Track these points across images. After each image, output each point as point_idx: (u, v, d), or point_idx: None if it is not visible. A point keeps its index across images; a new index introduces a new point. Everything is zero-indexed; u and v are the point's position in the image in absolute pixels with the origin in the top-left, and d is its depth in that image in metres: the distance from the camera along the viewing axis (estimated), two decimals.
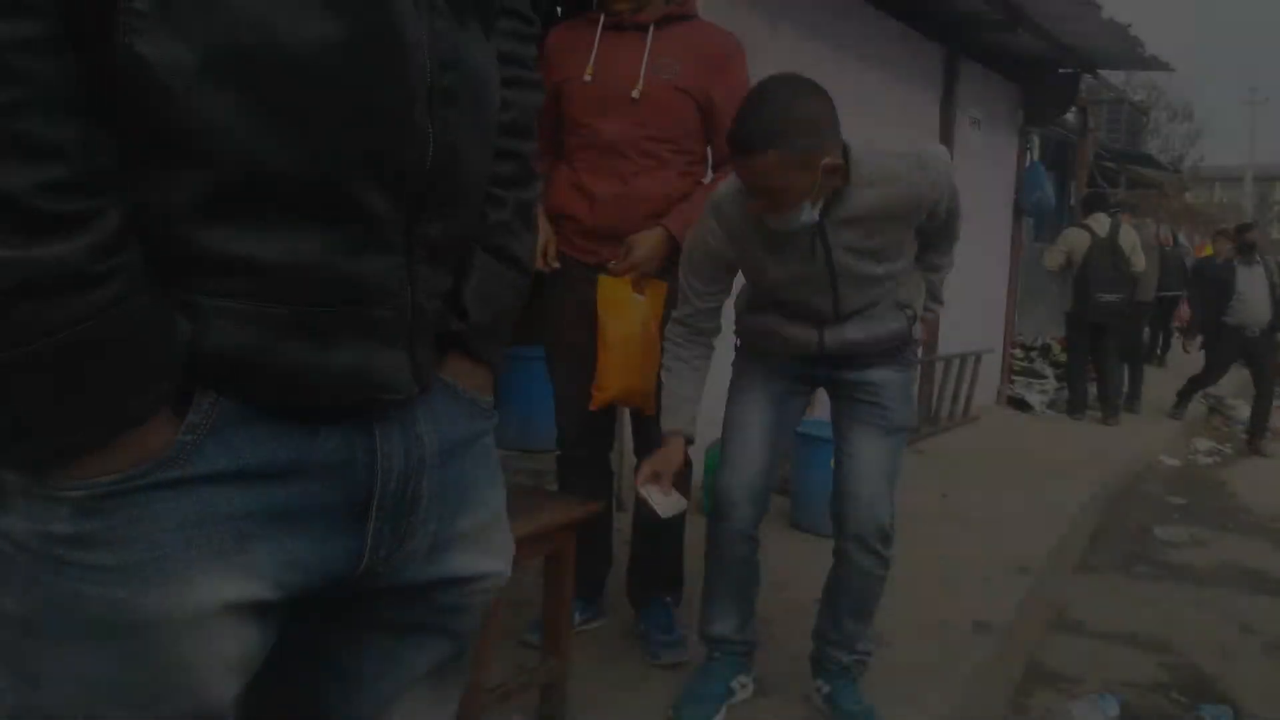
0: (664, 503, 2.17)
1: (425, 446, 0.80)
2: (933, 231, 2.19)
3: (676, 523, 2.70)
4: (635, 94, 2.39)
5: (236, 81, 0.61)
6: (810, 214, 1.94)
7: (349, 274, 0.69)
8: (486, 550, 0.88)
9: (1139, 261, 7.34)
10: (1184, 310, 11.84)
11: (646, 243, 2.37)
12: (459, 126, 0.75)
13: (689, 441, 2.23)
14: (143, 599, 0.64)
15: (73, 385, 0.59)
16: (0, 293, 0.56)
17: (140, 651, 0.65)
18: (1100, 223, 7.30)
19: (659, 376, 2.45)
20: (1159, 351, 12.07)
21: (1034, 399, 7.73)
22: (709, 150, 2.55)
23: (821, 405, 4.76)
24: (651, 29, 2.44)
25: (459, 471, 0.84)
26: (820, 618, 2.35)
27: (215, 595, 0.67)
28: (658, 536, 2.67)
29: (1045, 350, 8.76)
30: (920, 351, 2.31)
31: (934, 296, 2.30)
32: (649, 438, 2.60)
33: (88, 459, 0.62)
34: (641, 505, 2.20)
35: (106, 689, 0.65)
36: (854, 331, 2.17)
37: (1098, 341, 7.41)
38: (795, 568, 3.34)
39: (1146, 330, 11.68)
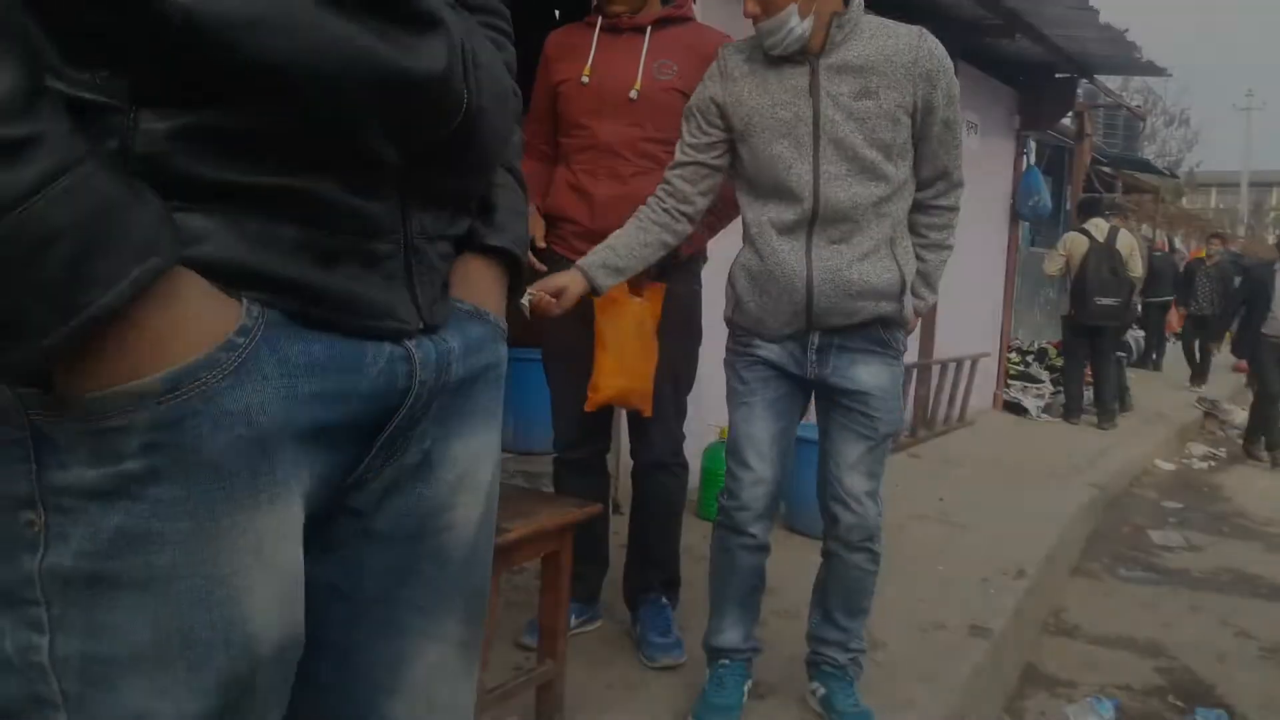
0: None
1: (453, 373, 0.83)
2: (928, 152, 2.12)
3: (673, 526, 2.71)
4: (633, 95, 2.40)
5: (282, 37, 0.62)
6: (800, 26, 1.98)
7: (356, 208, 0.71)
8: (475, 465, 0.88)
9: (1136, 266, 7.36)
10: (1173, 316, 11.85)
11: None
12: (485, 95, 0.78)
13: (593, 289, 2.15)
14: (213, 530, 0.64)
15: (23, 280, 0.55)
16: None
17: (210, 591, 0.65)
18: (1099, 227, 7.32)
19: (658, 377, 2.46)
20: (1154, 356, 12.09)
21: (1029, 403, 7.74)
22: None
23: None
24: (649, 30, 2.45)
25: (467, 397, 0.86)
26: (813, 619, 2.35)
27: (277, 520, 0.68)
28: (654, 539, 2.68)
29: (1041, 355, 8.77)
30: (906, 341, 2.25)
31: (927, 282, 2.24)
32: (647, 439, 2.60)
33: (98, 359, 0.59)
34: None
35: (180, 632, 0.64)
36: (844, 262, 2.07)
37: (1095, 346, 7.43)
38: (790, 571, 3.34)
39: (1142, 335, 11.72)
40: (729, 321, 2.29)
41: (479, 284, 0.91)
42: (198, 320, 0.63)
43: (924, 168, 2.14)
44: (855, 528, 2.19)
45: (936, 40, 2.10)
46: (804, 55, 2.05)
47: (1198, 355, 10.88)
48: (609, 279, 2.16)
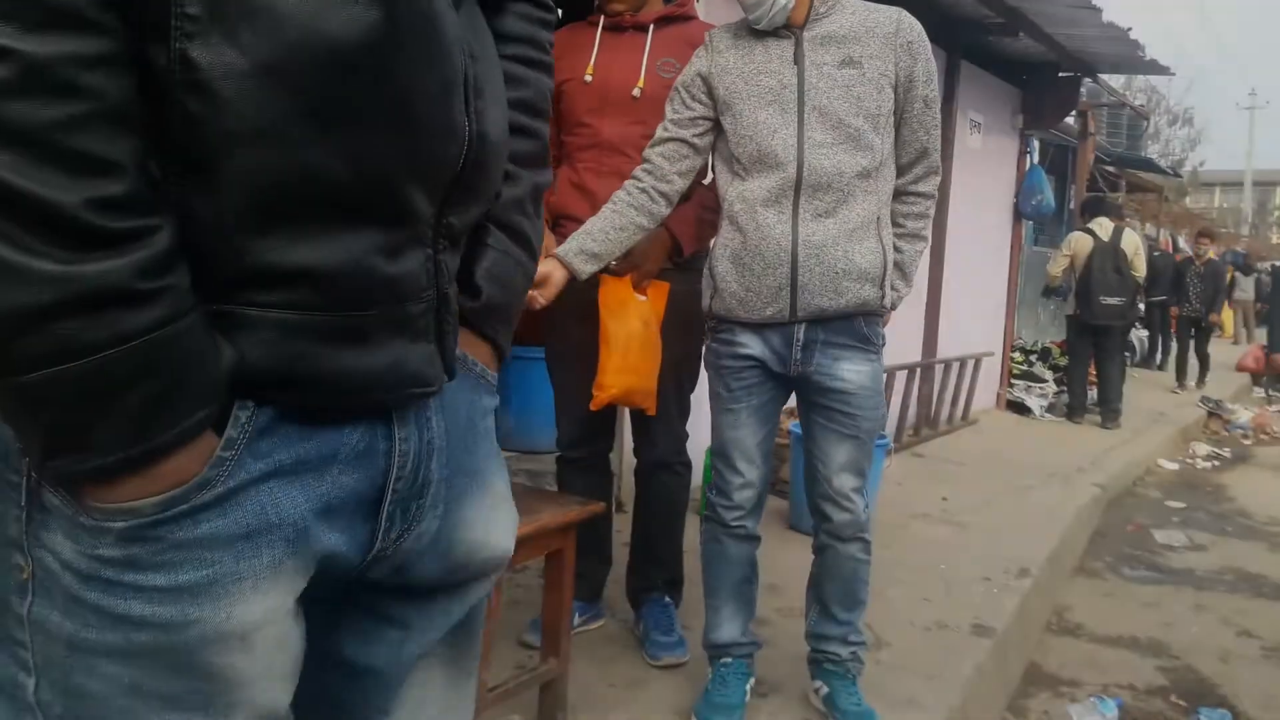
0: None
1: (434, 430, 0.80)
2: (908, 133, 2.13)
3: (677, 524, 2.71)
4: (636, 93, 2.40)
5: (286, 82, 0.61)
6: None
7: (389, 275, 0.70)
8: (491, 530, 0.89)
9: (1141, 266, 7.35)
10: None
11: (646, 242, 2.38)
12: (487, 117, 0.76)
13: (573, 275, 2.16)
14: (195, 617, 0.64)
15: (111, 406, 0.58)
16: (46, 307, 0.55)
17: (191, 666, 0.65)
18: (1103, 227, 7.32)
19: (661, 376, 2.45)
20: (1158, 356, 12.07)
21: (1033, 403, 7.73)
22: None
23: None
24: (651, 29, 2.45)
25: (465, 452, 0.84)
26: (810, 616, 2.35)
27: (265, 604, 0.67)
28: (658, 537, 2.68)
29: (1045, 354, 8.76)
30: (884, 335, 2.24)
31: (903, 273, 2.23)
32: (650, 438, 2.60)
33: (125, 481, 0.61)
34: None
35: (158, 704, 0.65)
36: (830, 238, 2.05)
37: (1099, 345, 7.42)
38: (792, 570, 3.33)
39: (1146, 335, 11.71)
40: (709, 313, 2.27)
41: (468, 345, 0.88)
42: (197, 455, 0.64)
43: (904, 151, 2.16)
44: (847, 524, 2.20)
45: (916, 20, 2.16)
46: (788, 28, 2.10)
47: (1193, 357, 10.49)
48: (587, 265, 2.16)
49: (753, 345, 2.18)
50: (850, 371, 2.14)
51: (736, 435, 2.24)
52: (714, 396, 2.28)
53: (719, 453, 2.28)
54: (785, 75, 2.08)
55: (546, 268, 2.11)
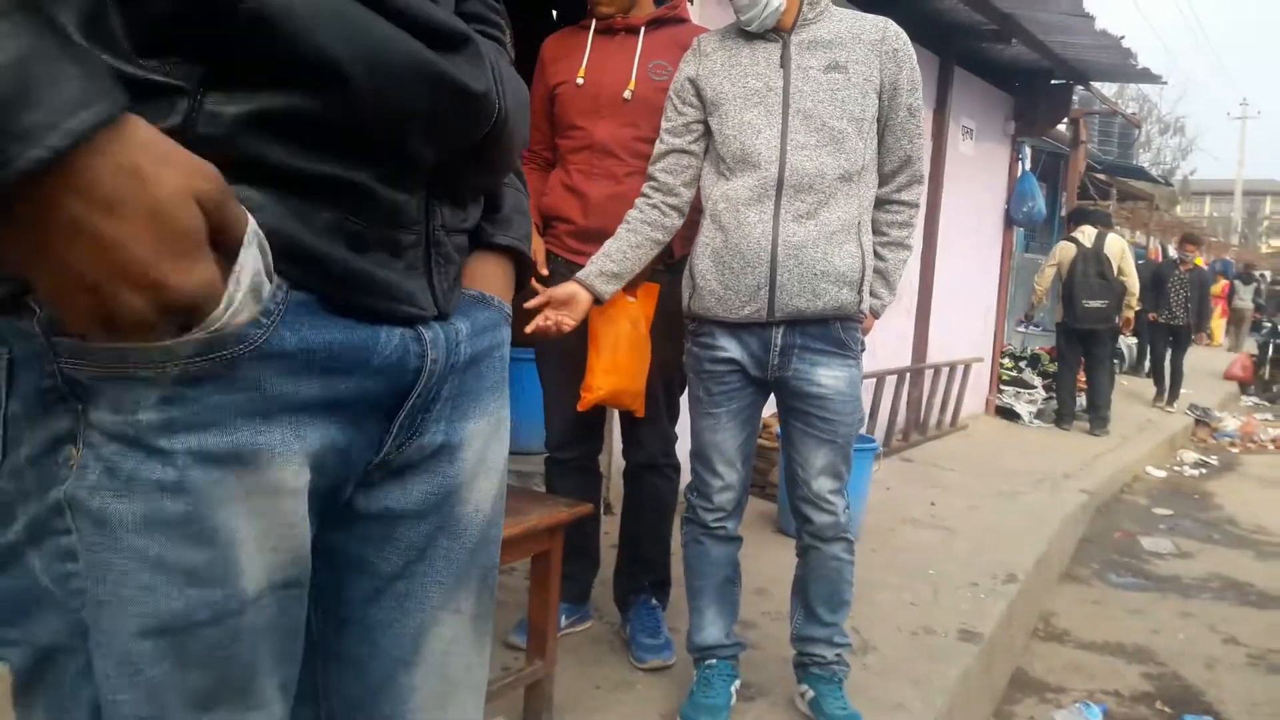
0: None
1: (461, 354, 0.88)
2: (892, 141, 2.15)
3: (664, 526, 2.71)
4: (627, 95, 2.41)
5: (352, 32, 0.69)
6: (776, 0, 2.06)
7: (389, 200, 0.77)
8: (486, 454, 0.94)
9: (1129, 269, 7.37)
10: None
11: None
12: (509, 100, 0.85)
13: (595, 299, 2.22)
14: (218, 479, 0.68)
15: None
16: None
17: (214, 534, 0.68)
18: (1086, 234, 7.38)
19: (651, 378, 2.45)
20: (1146, 363, 12.11)
21: (1022, 409, 7.75)
22: None
23: None
24: (642, 31, 2.45)
25: (476, 376, 0.91)
26: (795, 620, 2.35)
27: (277, 476, 0.72)
28: (645, 539, 2.67)
29: (1034, 360, 8.79)
30: (864, 342, 2.23)
31: (886, 281, 2.23)
32: (638, 440, 2.60)
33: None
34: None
35: (181, 579, 0.67)
36: (809, 239, 2.06)
37: (1088, 352, 7.45)
38: (780, 573, 3.33)
39: (1134, 342, 11.75)
40: (687, 313, 2.26)
41: (487, 277, 0.96)
42: (173, 175, 0.59)
43: (888, 159, 2.18)
44: (829, 526, 2.21)
45: (902, 29, 2.17)
46: (776, 32, 2.12)
47: (1167, 370, 9.35)
48: (609, 285, 2.20)
49: (731, 348, 2.18)
50: (827, 377, 2.15)
51: (716, 439, 2.24)
52: (694, 400, 2.28)
53: (699, 455, 2.29)
54: (771, 78, 2.10)
55: (569, 289, 2.16)
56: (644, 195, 2.25)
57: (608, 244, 2.22)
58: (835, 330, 2.15)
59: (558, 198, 2.50)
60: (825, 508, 2.20)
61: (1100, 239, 7.31)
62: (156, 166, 0.58)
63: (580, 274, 2.19)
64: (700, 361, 2.23)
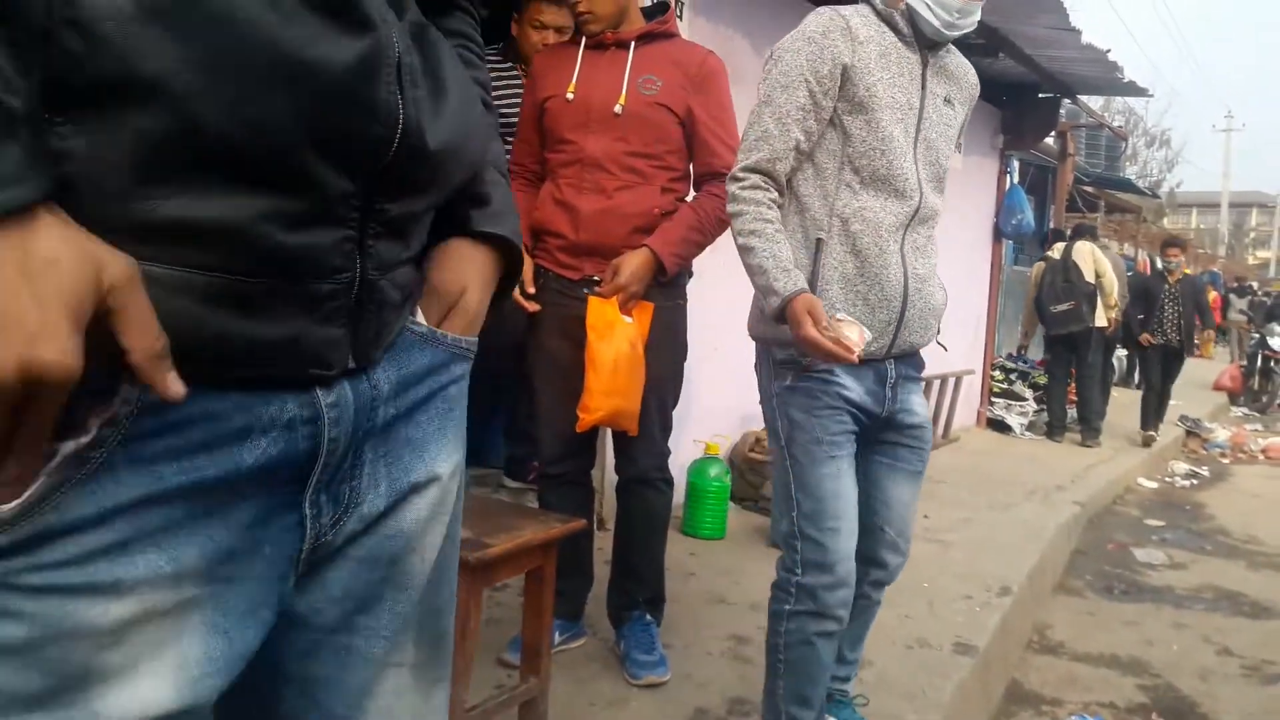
0: (855, 332, 1.77)
1: (379, 416, 0.78)
2: None
3: (658, 542, 2.70)
4: (617, 109, 2.41)
5: (173, 30, 0.58)
6: (975, 17, 1.90)
7: (286, 245, 0.65)
8: (434, 510, 0.85)
9: (1105, 272, 7.39)
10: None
11: (631, 264, 2.38)
12: (431, 111, 0.74)
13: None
14: (69, 611, 0.62)
15: None
16: None
17: (61, 663, 0.62)
18: (1056, 249, 7.54)
19: (644, 393, 2.44)
20: (1137, 375, 12.15)
21: (1013, 421, 7.77)
22: (690, 168, 2.56)
23: None
24: (633, 46, 2.46)
25: (414, 426, 0.82)
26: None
27: (142, 604, 0.64)
28: (639, 555, 2.66)
29: (1025, 373, 8.82)
30: None
31: None
32: (631, 455, 2.59)
33: None
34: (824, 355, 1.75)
35: (19, 707, 0.62)
36: (926, 272, 1.97)
37: (1079, 364, 7.48)
38: None
39: (1125, 354, 11.79)
40: (787, 345, 1.91)
41: (463, 268, 0.86)
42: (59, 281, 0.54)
43: None
44: (898, 569, 2.11)
45: None
46: (919, 44, 1.94)
47: (1159, 394, 8.19)
48: (800, 280, 1.84)
49: (853, 387, 1.93)
50: (919, 405, 2.06)
51: (841, 488, 1.93)
52: (807, 447, 1.93)
53: (816, 515, 1.92)
54: (913, 94, 1.92)
55: (809, 306, 1.75)
56: (757, 199, 1.88)
57: (775, 254, 1.82)
58: (919, 357, 2.09)
59: (548, 212, 2.50)
60: (903, 549, 2.07)
61: (1068, 248, 7.40)
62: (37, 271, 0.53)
63: (790, 289, 1.78)
64: (817, 398, 1.93)
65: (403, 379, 0.80)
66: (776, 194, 1.90)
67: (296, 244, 0.66)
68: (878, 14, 1.92)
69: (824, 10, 1.89)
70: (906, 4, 1.88)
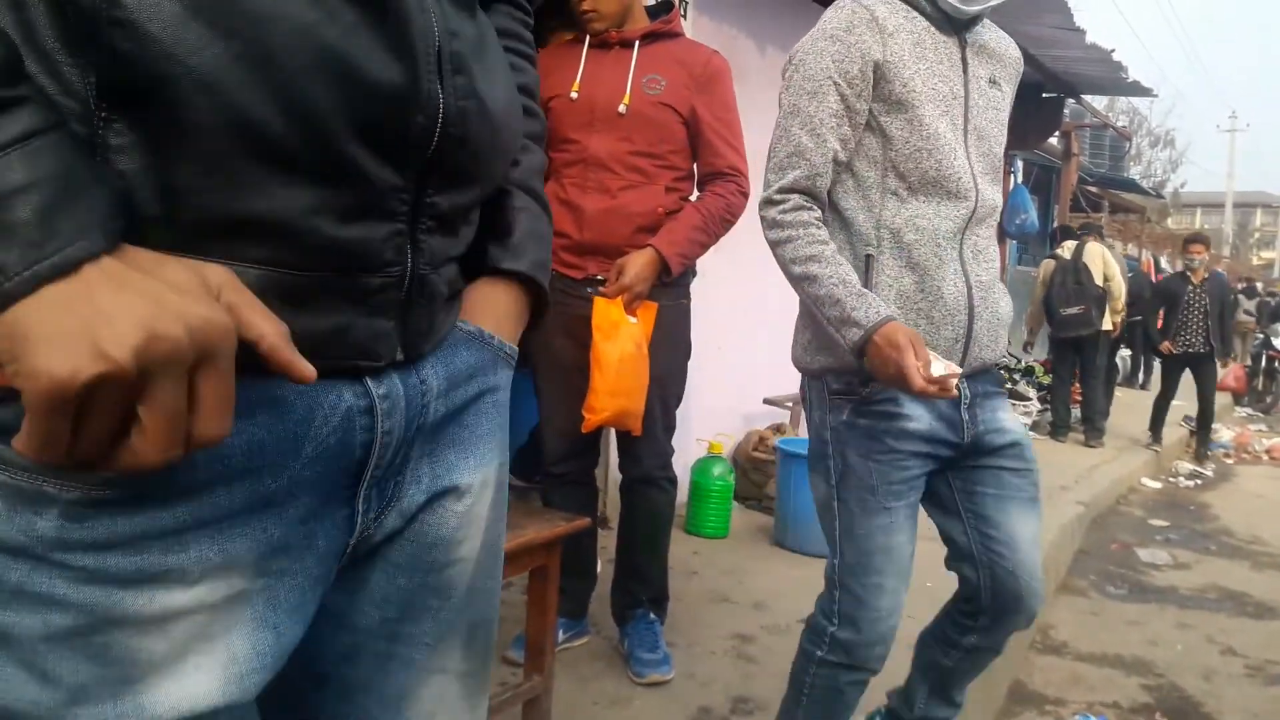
0: (940, 367, 1.55)
1: (430, 413, 0.79)
2: None
3: (661, 541, 2.70)
4: (622, 109, 2.41)
5: (216, 27, 0.59)
6: None
7: (335, 239, 0.66)
8: (474, 513, 0.85)
9: (1114, 275, 7.38)
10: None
11: (636, 264, 2.38)
12: (475, 98, 0.74)
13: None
14: (118, 599, 0.62)
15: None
16: None
17: (106, 650, 0.62)
18: (1066, 248, 7.46)
19: (649, 393, 2.44)
20: (1140, 376, 12.15)
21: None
22: (694, 168, 2.56)
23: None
24: (637, 45, 2.46)
25: (460, 427, 0.83)
26: (919, 695, 2.05)
27: (191, 594, 0.65)
28: (642, 554, 2.67)
29: (1028, 372, 8.81)
30: None
31: None
32: (635, 454, 2.60)
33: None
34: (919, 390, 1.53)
35: (66, 695, 0.62)
36: (989, 279, 1.76)
37: (1082, 364, 7.48)
38: (778, 587, 3.34)
39: (1129, 354, 11.78)
40: (843, 374, 1.71)
41: (490, 310, 0.87)
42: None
43: None
44: (1035, 614, 1.85)
45: None
46: (952, 25, 1.73)
47: (1172, 406, 7.89)
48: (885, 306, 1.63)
49: (920, 416, 1.70)
50: (1009, 420, 1.80)
51: (892, 543, 1.75)
52: (858, 494, 1.74)
53: (858, 568, 1.77)
54: (954, 82, 1.71)
55: (898, 333, 1.55)
56: (805, 221, 1.68)
57: (846, 280, 1.62)
58: (995, 371, 1.87)
59: (552, 212, 2.50)
60: (1039, 591, 1.79)
61: (1079, 249, 7.36)
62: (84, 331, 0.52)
63: (876, 316, 1.57)
64: (879, 440, 1.71)
65: (451, 376, 0.81)
66: (821, 212, 1.70)
67: (347, 238, 0.67)
68: None
69: (844, 3, 1.71)
70: None
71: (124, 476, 0.59)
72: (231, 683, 0.68)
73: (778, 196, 1.70)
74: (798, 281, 1.68)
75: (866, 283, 1.68)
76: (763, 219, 1.73)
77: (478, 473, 0.85)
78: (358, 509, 0.75)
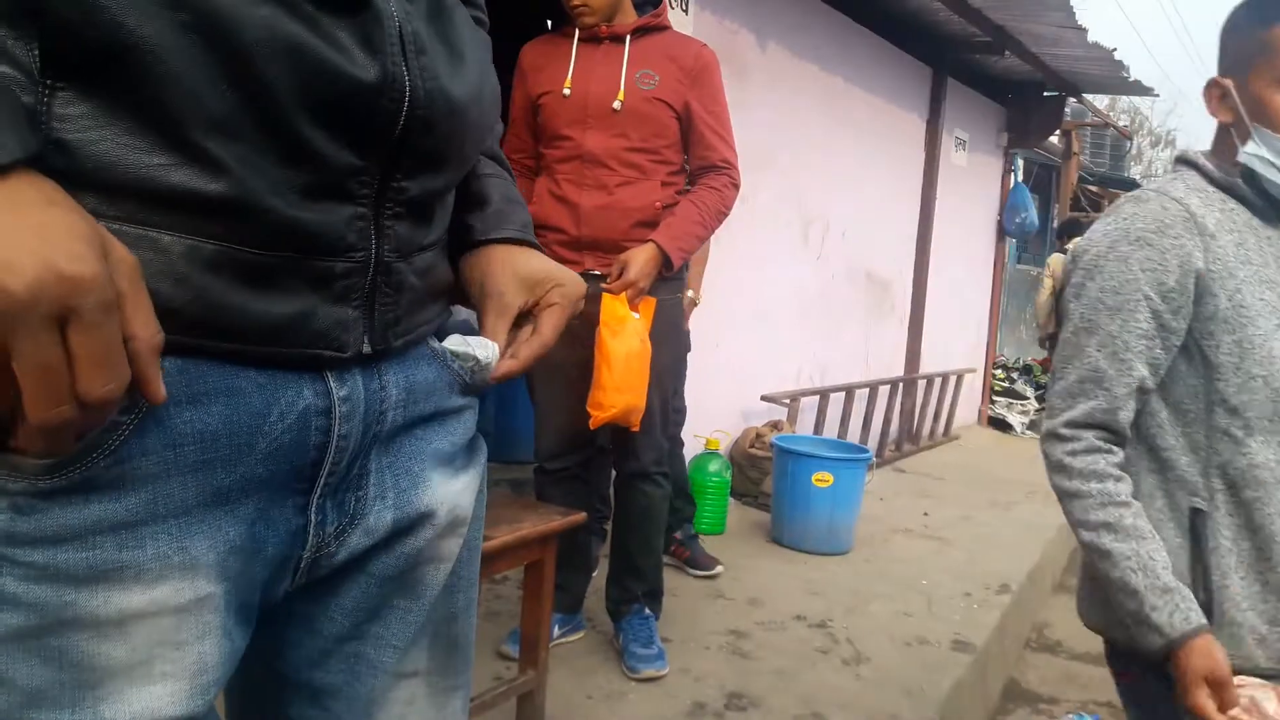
0: (1273, 705, 1.25)
1: (386, 422, 0.75)
2: None
3: (656, 536, 2.70)
4: (616, 105, 2.41)
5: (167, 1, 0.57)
6: None
7: (294, 219, 0.64)
8: (450, 523, 0.83)
9: None
10: None
11: (639, 260, 2.38)
12: (441, 80, 0.71)
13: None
14: (70, 599, 0.60)
15: None
16: None
17: (62, 653, 0.60)
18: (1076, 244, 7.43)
19: (648, 396, 2.42)
20: None
21: (1014, 419, 7.76)
22: (685, 161, 2.58)
23: (805, 423, 4.76)
24: (628, 40, 2.46)
25: (418, 440, 0.80)
26: None
27: (149, 595, 0.62)
28: (637, 549, 2.67)
29: (1026, 371, 8.81)
30: None
31: None
32: (632, 449, 2.60)
33: None
34: None
35: (21, 698, 0.60)
36: None
37: None
38: (773, 583, 3.34)
39: None
40: (1156, 649, 1.29)
41: (507, 263, 0.85)
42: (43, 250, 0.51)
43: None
44: None
45: None
46: (1276, 215, 1.42)
47: None
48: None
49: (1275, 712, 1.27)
50: None
51: None
52: None
53: None
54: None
55: (1209, 653, 1.25)
56: (1097, 453, 1.36)
57: (1149, 571, 1.30)
58: None
59: (547, 207, 2.50)
60: None
61: None
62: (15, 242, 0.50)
63: (1185, 627, 1.26)
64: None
65: (411, 388, 0.78)
66: (1120, 454, 1.37)
67: (307, 219, 0.65)
68: (1214, 182, 1.42)
69: (1148, 195, 1.40)
70: (1240, 162, 1.39)
71: (39, 448, 0.56)
72: (198, 693, 0.66)
73: (1067, 432, 1.39)
74: (1089, 549, 1.37)
75: (1196, 547, 1.35)
76: (1047, 457, 1.42)
77: (451, 481, 0.82)
78: (310, 518, 0.72)
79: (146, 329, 0.55)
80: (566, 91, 2.45)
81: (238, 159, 0.61)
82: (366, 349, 0.72)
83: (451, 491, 0.82)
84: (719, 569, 3.36)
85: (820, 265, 5.34)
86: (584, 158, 2.44)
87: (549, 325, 0.84)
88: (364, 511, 0.76)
